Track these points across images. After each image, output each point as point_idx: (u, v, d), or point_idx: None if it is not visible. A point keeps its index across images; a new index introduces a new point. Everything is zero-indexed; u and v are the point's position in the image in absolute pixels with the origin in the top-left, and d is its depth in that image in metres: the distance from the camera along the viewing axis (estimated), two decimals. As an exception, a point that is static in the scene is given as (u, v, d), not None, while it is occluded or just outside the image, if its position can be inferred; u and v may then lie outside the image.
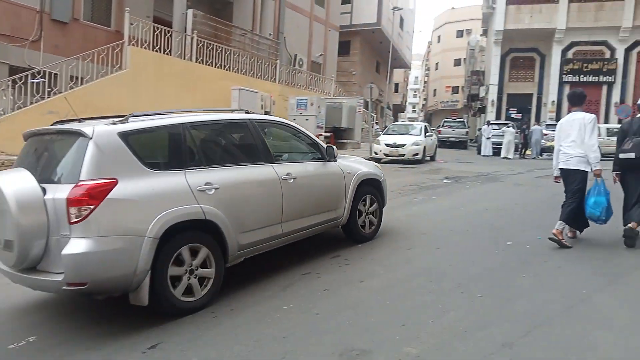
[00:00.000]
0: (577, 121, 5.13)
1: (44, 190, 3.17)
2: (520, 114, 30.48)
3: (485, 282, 4.07)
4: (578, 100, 5.36)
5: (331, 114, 18.63)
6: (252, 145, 4.35)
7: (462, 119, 34.59)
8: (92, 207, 3.07)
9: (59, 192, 3.12)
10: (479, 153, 21.85)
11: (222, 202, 3.73)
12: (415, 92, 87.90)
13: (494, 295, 3.76)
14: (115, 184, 3.20)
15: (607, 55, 28.95)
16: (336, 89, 23.88)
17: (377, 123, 33.71)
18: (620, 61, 28.61)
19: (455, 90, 61.32)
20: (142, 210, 3.30)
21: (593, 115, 5.14)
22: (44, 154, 3.64)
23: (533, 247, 5.07)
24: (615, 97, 28.73)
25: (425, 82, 76.49)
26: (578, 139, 5.07)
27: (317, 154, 5.01)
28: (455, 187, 9.81)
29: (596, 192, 5.03)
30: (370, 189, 5.48)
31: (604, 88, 29.04)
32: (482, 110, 35.12)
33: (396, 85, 55.85)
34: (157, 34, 13.33)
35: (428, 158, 16.43)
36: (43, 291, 3.65)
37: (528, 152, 20.81)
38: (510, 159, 19.03)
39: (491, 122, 24.25)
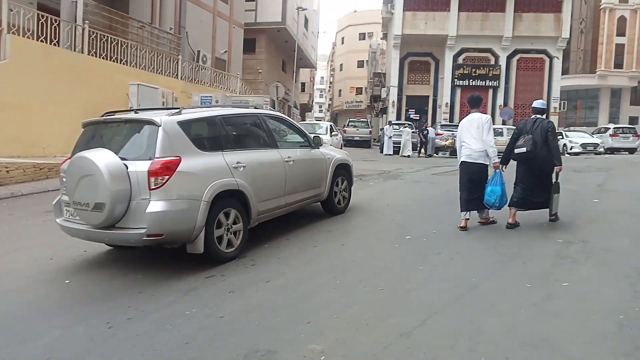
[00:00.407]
0: (475, 121, 5.87)
1: (125, 165, 4.11)
2: (418, 115, 32.35)
3: (386, 276, 4.25)
4: (476, 103, 6.18)
5: (237, 112, 18.28)
6: (263, 134, 5.55)
7: (365, 119, 35.89)
8: (167, 177, 4.11)
9: (139, 166, 4.11)
10: (382, 152, 22.82)
11: (248, 177, 4.86)
12: (321, 92, 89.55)
13: (393, 288, 3.94)
14: (180, 160, 4.23)
15: (492, 61, 31.75)
16: (242, 87, 23.54)
17: (284, 122, 33.78)
18: (503, 67, 31.54)
19: (359, 91, 63.37)
20: (198, 181, 4.36)
21: (489, 116, 6.06)
22: (114, 137, 4.61)
23: (429, 240, 5.39)
24: (500, 100, 31.61)
25: (330, 83, 78.23)
26: (478, 136, 5.79)
27: (305, 143, 6.24)
28: (359, 185, 10.13)
29: (493, 182, 5.68)
30: (343, 172, 6.87)
31: (490, 92, 31.80)
32: (384, 110, 36.72)
33: (303, 84, 56.42)
34: (42, 23, 12.14)
35: (334, 157, 16.80)
36: (122, 244, 4.73)
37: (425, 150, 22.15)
38: (408, 157, 20.11)
39: (392, 122, 25.46)
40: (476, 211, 5.92)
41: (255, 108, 5.75)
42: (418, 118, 31.59)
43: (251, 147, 5.30)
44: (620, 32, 43.45)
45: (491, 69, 31.53)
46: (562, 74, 34.12)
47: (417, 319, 3.28)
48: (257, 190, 4.95)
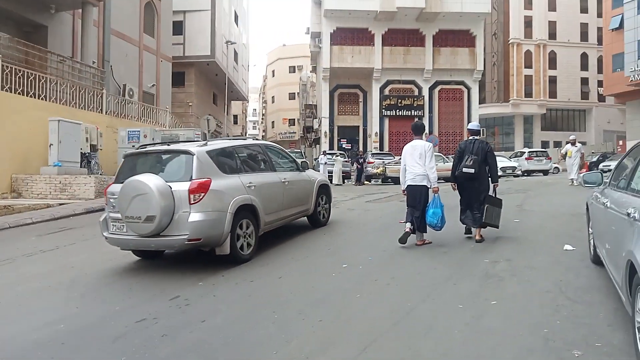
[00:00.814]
0: (418, 148, 6.42)
1: (169, 186, 5.28)
2: (350, 144, 33.21)
3: (324, 307, 4.24)
4: (418, 131, 6.73)
5: (168, 146, 17.85)
6: (265, 159, 6.90)
7: (299, 150, 36.23)
8: (202, 194, 5.30)
9: (180, 186, 5.29)
10: (316, 181, 23.02)
11: (257, 194, 6.08)
12: (254, 123, 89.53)
13: (332, 319, 3.93)
14: (211, 181, 5.43)
15: (416, 92, 33.48)
16: (172, 120, 23.04)
17: (217, 155, 33.31)
18: (427, 98, 33.32)
19: (292, 122, 64.10)
20: (225, 197, 5.54)
21: (430, 144, 6.62)
22: (156, 165, 5.84)
23: (365, 268, 5.46)
24: (425, 128, 33.13)
25: (263, 115, 78.56)
26: (420, 161, 6.34)
27: (295, 167, 7.61)
28: (295, 215, 10.14)
29: (434, 204, 6.21)
30: (324, 191, 8.28)
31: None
32: (317, 141, 37.36)
33: (235, 117, 56.26)
34: (-52, 56, 11.29)
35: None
36: (167, 249, 5.81)
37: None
38: (341, 185, 20.48)
39: (326, 151, 25.92)
40: (415, 234, 6.41)
41: (186, 141, 6.84)
42: (350, 147, 32.41)
43: (257, 171, 6.56)
44: (528, 65, 47.67)
45: (415, 99, 33.21)
46: (479, 103, 36.67)
47: (357, 349, 3.28)
48: (264, 205, 6.16)
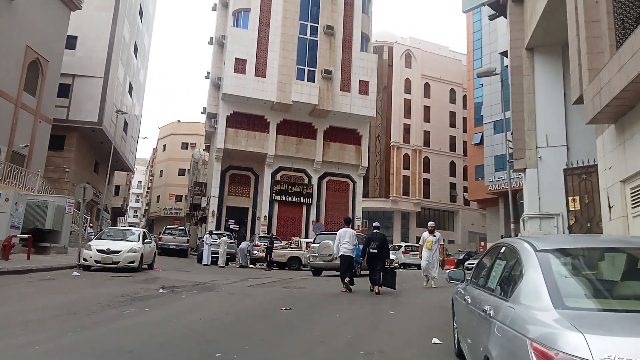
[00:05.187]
0: (348, 232, 11.22)
1: None
2: (238, 226, 32.80)
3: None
4: (348, 222, 11.82)
5: (34, 213, 16.13)
6: None
7: (183, 227, 34.86)
8: None
9: None
10: (199, 261, 22.06)
11: None
12: (138, 196, 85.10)
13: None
14: None
15: (306, 181, 34.77)
16: (42, 185, 21.01)
17: (91, 226, 30.66)
18: (315, 187, 34.72)
19: (179, 198, 62.03)
20: None
21: (354, 231, 11.54)
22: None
23: (240, 357, 5.18)
24: (312, 216, 34.19)
25: (149, 188, 75.15)
26: (350, 240, 11.04)
27: None
28: (171, 298, 9.48)
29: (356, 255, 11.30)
30: None
31: (304, 208, 34.29)
32: (204, 219, 36.33)
33: (117, 187, 52.96)
34: None
35: (145, 266, 15.62)
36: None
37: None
38: (223, 267, 19.85)
39: (212, 231, 25.20)
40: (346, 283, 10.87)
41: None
42: (237, 229, 31.97)
43: None
44: (406, 166, 52.60)
45: (305, 187, 34.43)
46: (363, 197, 39.06)
47: None
48: None
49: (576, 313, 2.41)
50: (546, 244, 3.26)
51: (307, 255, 17.53)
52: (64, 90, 27.95)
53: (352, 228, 13.82)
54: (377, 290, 10.40)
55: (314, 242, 17.37)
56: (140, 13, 39.60)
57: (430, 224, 13.66)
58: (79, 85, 29.51)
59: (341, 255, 10.89)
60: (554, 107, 13.13)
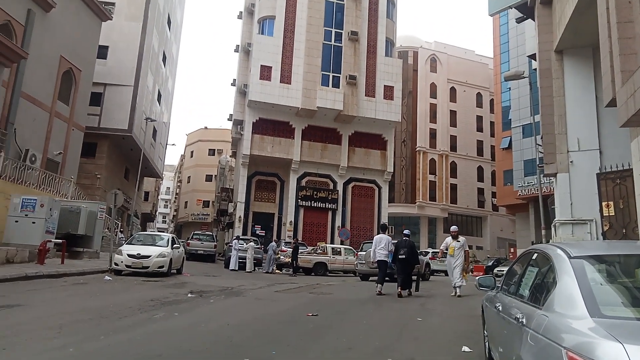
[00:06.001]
0: (384, 239, 12.28)
1: None
2: (264, 231, 33.02)
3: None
4: (383, 229, 13.77)
5: (67, 218, 16.61)
6: None
7: (211, 233, 35.29)
8: None
9: None
10: (226, 267, 22.27)
11: None
12: (166, 202, 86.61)
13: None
14: None
15: (331, 186, 34.77)
16: (75, 192, 21.63)
17: (122, 231, 31.40)
18: (341, 192, 34.67)
19: (206, 204, 62.84)
20: None
21: (390, 237, 12.51)
22: None
23: (268, 363, 5.20)
24: (338, 221, 34.12)
25: (177, 194, 76.48)
26: (385, 247, 12.05)
27: None
28: (200, 302, 9.61)
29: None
30: None
31: (330, 213, 34.27)
32: (231, 225, 36.74)
33: (146, 193, 54.12)
34: None
35: (174, 271, 15.87)
36: None
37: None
38: (250, 272, 19.97)
39: (240, 237, 25.43)
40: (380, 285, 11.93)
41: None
42: (263, 234, 32.18)
43: None
44: (432, 171, 52.03)
45: (330, 193, 34.42)
46: (389, 202, 38.78)
47: None
48: None
49: (613, 322, 2.33)
50: (580, 250, 3.17)
51: (355, 262, 19.41)
52: (96, 99, 28.76)
53: (388, 234, 14.10)
54: (406, 294, 11.52)
55: (360, 251, 19.56)
56: (169, 22, 40.50)
57: (453, 228, 12.68)
58: (110, 94, 30.34)
59: (378, 260, 12.02)
60: (585, 110, 12.77)
